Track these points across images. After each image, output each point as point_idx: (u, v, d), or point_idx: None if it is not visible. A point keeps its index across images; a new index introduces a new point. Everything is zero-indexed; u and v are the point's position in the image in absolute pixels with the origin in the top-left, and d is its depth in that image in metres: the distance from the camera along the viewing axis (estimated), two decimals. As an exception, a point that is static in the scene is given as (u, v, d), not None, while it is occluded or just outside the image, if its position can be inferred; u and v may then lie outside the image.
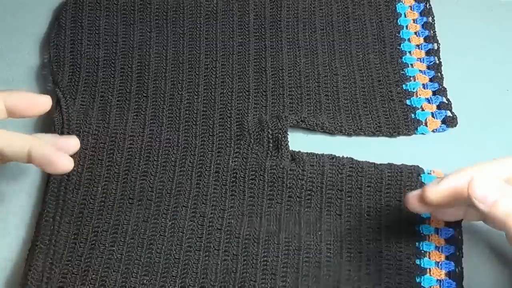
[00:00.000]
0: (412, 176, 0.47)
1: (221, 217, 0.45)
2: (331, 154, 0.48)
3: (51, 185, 0.46)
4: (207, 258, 0.44)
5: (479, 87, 0.52)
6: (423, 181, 0.47)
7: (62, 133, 0.48)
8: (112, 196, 0.46)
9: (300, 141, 0.49)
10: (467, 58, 0.53)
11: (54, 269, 0.42)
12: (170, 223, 0.45)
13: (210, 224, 0.45)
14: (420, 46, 0.53)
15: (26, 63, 0.53)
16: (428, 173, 0.47)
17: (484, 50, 0.54)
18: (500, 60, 0.54)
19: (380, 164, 0.48)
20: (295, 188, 0.46)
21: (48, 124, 0.49)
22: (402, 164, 0.48)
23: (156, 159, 0.47)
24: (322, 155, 0.48)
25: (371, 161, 0.48)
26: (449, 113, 0.50)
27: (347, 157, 0.48)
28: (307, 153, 0.48)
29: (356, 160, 0.48)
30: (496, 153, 0.48)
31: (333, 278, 0.43)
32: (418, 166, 0.47)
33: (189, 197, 0.46)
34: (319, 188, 0.46)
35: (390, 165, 0.48)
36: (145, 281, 0.43)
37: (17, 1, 0.56)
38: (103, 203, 0.45)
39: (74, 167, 0.44)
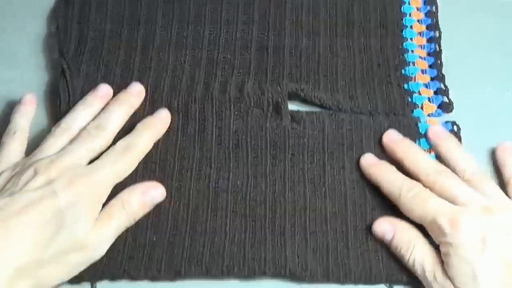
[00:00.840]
0: (410, 126, 0.48)
1: (226, 178, 0.46)
2: (330, 111, 0.49)
3: None
4: (215, 217, 0.45)
5: (478, 87, 0.52)
6: (420, 131, 0.49)
7: (68, 102, 0.49)
8: None
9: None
10: (467, 58, 0.54)
11: None
12: (176, 184, 0.46)
13: (216, 185, 0.46)
14: (422, 33, 0.54)
15: (32, 32, 0.54)
16: (424, 122, 0.49)
17: (484, 50, 0.54)
18: (500, 60, 0.54)
19: (379, 116, 0.49)
20: (297, 146, 0.47)
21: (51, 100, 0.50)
22: (400, 115, 0.49)
23: None
24: (321, 112, 0.49)
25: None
26: (445, 99, 0.50)
27: (345, 113, 0.49)
28: (306, 112, 0.49)
29: (354, 115, 0.49)
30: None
31: (340, 229, 0.44)
32: (414, 117, 0.49)
33: (194, 160, 0.47)
34: (320, 144, 0.47)
35: (388, 116, 0.49)
36: (154, 239, 0.44)
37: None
38: None
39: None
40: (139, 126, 0.47)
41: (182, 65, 0.51)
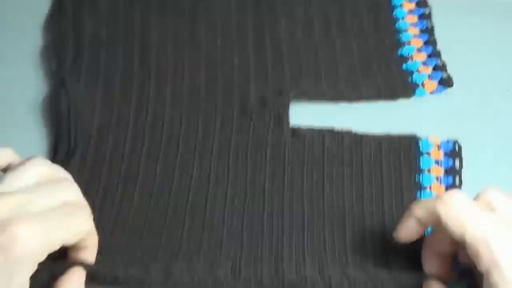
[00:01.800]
0: (410, 145, 0.48)
1: (225, 193, 0.46)
2: (331, 127, 0.49)
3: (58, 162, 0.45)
4: (210, 235, 0.43)
5: (478, 87, 0.53)
6: (421, 149, 0.48)
7: (68, 114, 0.48)
8: (116, 178, 0.46)
9: (301, 111, 0.50)
10: (467, 58, 0.54)
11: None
12: (173, 203, 0.45)
13: (213, 201, 0.45)
14: (412, 11, 0.55)
15: (30, 45, 0.53)
16: (426, 140, 0.48)
17: (484, 50, 0.55)
18: (500, 60, 0.54)
19: (379, 135, 0.48)
20: (296, 163, 0.47)
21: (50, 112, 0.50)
22: (400, 135, 0.48)
23: (160, 138, 0.48)
24: (322, 129, 0.49)
25: (372, 127, 0.49)
26: (444, 74, 0.51)
27: (346, 130, 0.49)
28: (307, 128, 0.49)
29: (355, 133, 0.48)
30: (491, 171, 0.49)
31: (339, 256, 0.43)
32: (415, 136, 0.48)
33: (192, 175, 0.46)
34: (320, 162, 0.47)
35: (388, 135, 0.48)
36: (148, 249, 0.43)
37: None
38: (107, 188, 0.45)
39: (79, 147, 0.45)
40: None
41: (182, 70, 0.51)
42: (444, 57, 0.53)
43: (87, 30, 0.52)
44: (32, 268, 0.34)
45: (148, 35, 0.53)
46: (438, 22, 0.55)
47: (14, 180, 0.37)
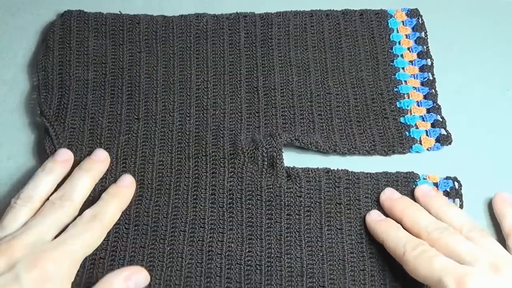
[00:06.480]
0: (408, 183, 0.47)
1: (221, 241, 0.45)
2: (327, 168, 0.48)
3: None
4: (208, 285, 0.43)
5: (478, 88, 0.52)
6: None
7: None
8: None
9: (293, 160, 0.48)
10: (465, 59, 0.54)
11: None
12: (168, 248, 0.44)
13: (210, 248, 0.44)
14: (413, 62, 0.53)
15: (16, 86, 0.52)
16: (423, 179, 0.47)
17: (484, 51, 0.54)
18: (500, 61, 0.54)
19: (376, 173, 0.47)
20: (293, 206, 0.46)
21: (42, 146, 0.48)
22: (397, 172, 0.48)
23: (150, 183, 0.47)
24: (317, 169, 0.48)
25: (368, 168, 0.48)
26: (443, 131, 0.49)
27: (342, 170, 0.48)
28: (302, 168, 0.47)
29: (351, 172, 0.47)
30: (490, 171, 0.48)
31: None
32: (413, 172, 0.48)
33: (186, 221, 0.45)
34: (317, 203, 0.46)
35: (385, 173, 0.48)
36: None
37: (4, 22, 0.55)
38: None
39: None
40: (105, 195, 0.44)
41: (172, 114, 0.50)
42: (444, 57, 0.52)
43: (73, 72, 0.51)
44: (68, 286, 0.39)
45: (137, 77, 0.51)
46: (438, 22, 0.54)
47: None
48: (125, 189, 0.46)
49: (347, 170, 0.47)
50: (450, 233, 0.42)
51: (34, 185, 0.44)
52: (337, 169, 0.48)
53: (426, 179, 0.47)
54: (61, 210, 0.42)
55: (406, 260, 0.42)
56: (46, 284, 0.38)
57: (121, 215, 0.45)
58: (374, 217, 0.46)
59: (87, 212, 0.43)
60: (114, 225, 0.45)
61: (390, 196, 0.46)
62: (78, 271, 0.42)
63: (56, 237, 0.41)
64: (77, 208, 0.43)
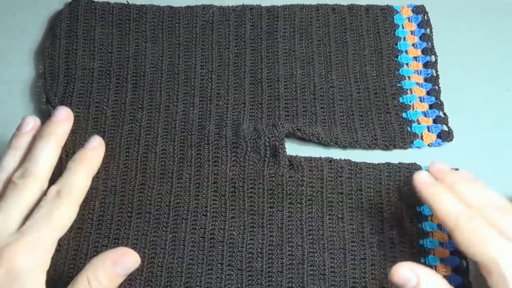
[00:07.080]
0: (410, 174, 0.47)
1: (223, 229, 0.45)
2: (329, 157, 0.48)
3: None
4: (210, 272, 0.44)
5: (478, 88, 0.52)
6: None
7: None
8: (110, 210, 0.46)
9: (295, 152, 0.49)
10: (466, 58, 0.54)
11: (55, 286, 0.42)
12: (170, 236, 0.45)
13: (212, 236, 0.45)
14: (417, 58, 0.53)
15: (22, 74, 0.52)
16: (425, 170, 0.47)
17: (484, 50, 0.54)
18: (500, 60, 0.54)
19: (378, 164, 0.48)
20: (295, 195, 0.46)
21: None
22: (400, 163, 0.48)
23: (153, 171, 0.47)
24: (320, 158, 0.48)
25: (370, 159, 0.48)
26: (445, 127, 0.49)
27: (345, 160, 0.48)
28: (304, 157, 0.48)
29: (354, 162, 0.48)
30: (490, 169, 0.48)
31: (338, 286, 0.43)
32: (416, 164, 0.48)
33: (189, 209, 0.46)
34: (319, 192, 0.46)
35: (388, 164, 0.48)
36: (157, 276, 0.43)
37: (12, 9, 0.56)
38: (101, 218, 0.45)
39: None
40: (71, 163, 0.40)
41: (175, 103, 0.50)
42: (443, 58, 0.52)
43: (79, 60, 0.51)
44: (43, 276, 0.36)
45: (142, 67, 0.51)
46: (438, 22, 0.54)
47: None
48: (92, 151, 0.42)
49: (350, 160, 0.48)
50: (503, 212, 0.39)
51: (0, 165, 0.41)
52: (340, 159, 0.48)
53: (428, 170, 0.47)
54: (24, 191, 0.38)
55: (458, 233, 0.38)
56: (15, 283, 0.34)
57: (124, 203, 0.45)
58: (423, 179, 0.41)
59: (52, 188, 0.39)
60: (117, 213, 0.45)
61: (424, 180, 0.42)
62: (80, 257, 0.43)
63: (26, 219, 0.37)
64: (44, 183, 0.40)
